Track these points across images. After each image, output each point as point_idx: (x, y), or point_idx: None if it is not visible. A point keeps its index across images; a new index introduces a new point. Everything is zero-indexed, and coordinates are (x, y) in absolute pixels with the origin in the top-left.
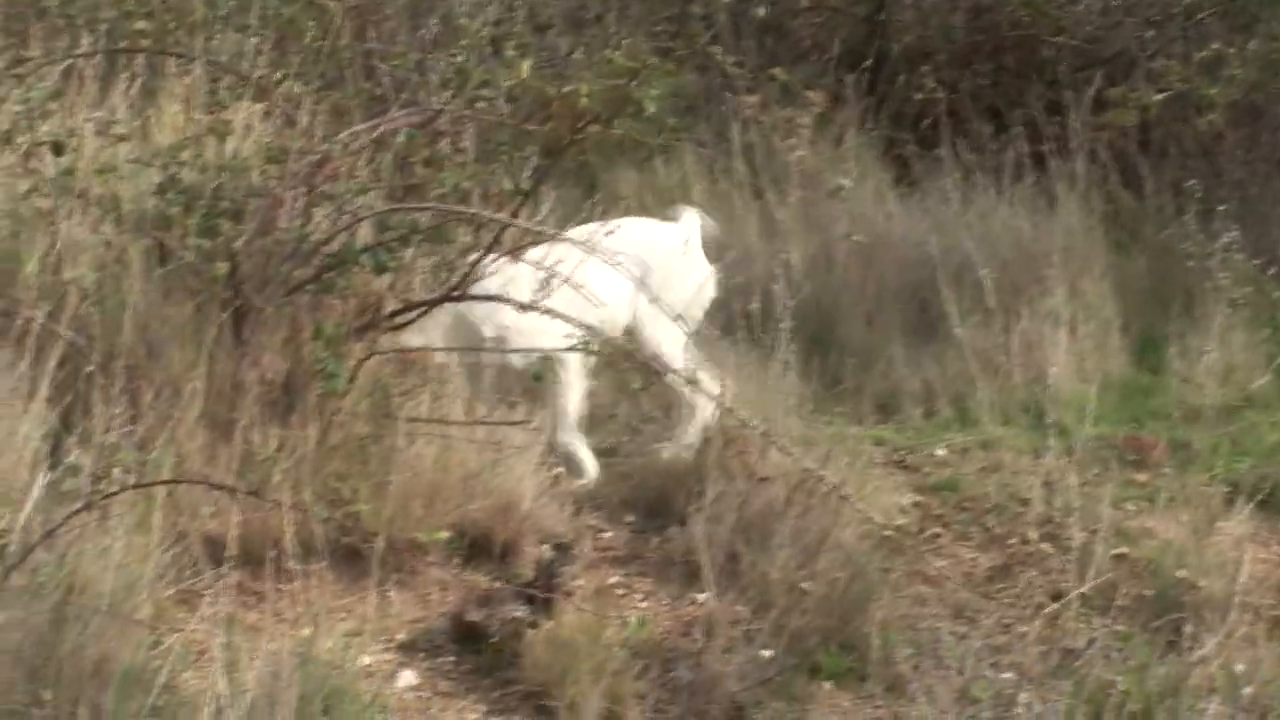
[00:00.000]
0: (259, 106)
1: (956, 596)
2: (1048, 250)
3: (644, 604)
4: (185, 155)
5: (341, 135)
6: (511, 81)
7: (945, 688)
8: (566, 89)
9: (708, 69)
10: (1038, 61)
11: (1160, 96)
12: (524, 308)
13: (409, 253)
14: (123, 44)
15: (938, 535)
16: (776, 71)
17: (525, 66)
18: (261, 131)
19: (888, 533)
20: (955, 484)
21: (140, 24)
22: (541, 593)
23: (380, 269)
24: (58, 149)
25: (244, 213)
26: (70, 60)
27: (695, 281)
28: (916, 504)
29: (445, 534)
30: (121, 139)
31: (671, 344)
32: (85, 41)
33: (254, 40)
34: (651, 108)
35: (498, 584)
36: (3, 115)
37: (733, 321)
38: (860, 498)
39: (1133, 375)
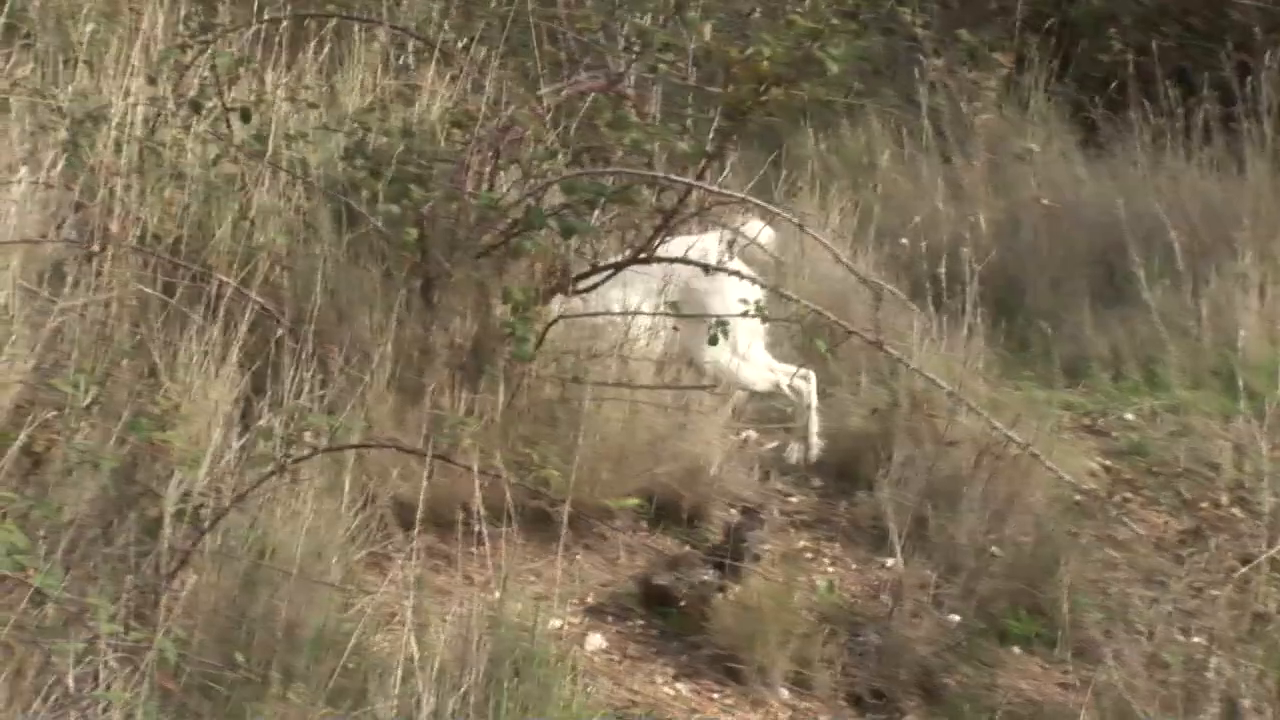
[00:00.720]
0: (445, 71)
1: (1146, 561)
2: (1237, 213)
3: (832, 568)
4: (372, 120)
5: (527, 99)
6: (695, 44)
7: (1135, 652)
8: (749, 51)
9: (893, 32)
10: (1226, 23)
11: None
12: (709, 270)
13: (595, 215)
14: (310, 10)
15: (1127, 499)
16: (963, 33)
17: (708, 28)
18: (447, 96)
19: (1076, 497)
20: (1144, 448)
21: None
22: (729, 557)
23: (568, 232)
24: (245, 115)
25: (431, 178)
26: (258, 26)
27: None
28: (1105, 468)
29: (634, 500)
30: (311, 105)
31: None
32: (272, 8)
33: (439, 5)
34: (834, 68)
35: (686, 548)
36: (192, 82)
37: (920, 285)
38: (1049, 462)
39: None
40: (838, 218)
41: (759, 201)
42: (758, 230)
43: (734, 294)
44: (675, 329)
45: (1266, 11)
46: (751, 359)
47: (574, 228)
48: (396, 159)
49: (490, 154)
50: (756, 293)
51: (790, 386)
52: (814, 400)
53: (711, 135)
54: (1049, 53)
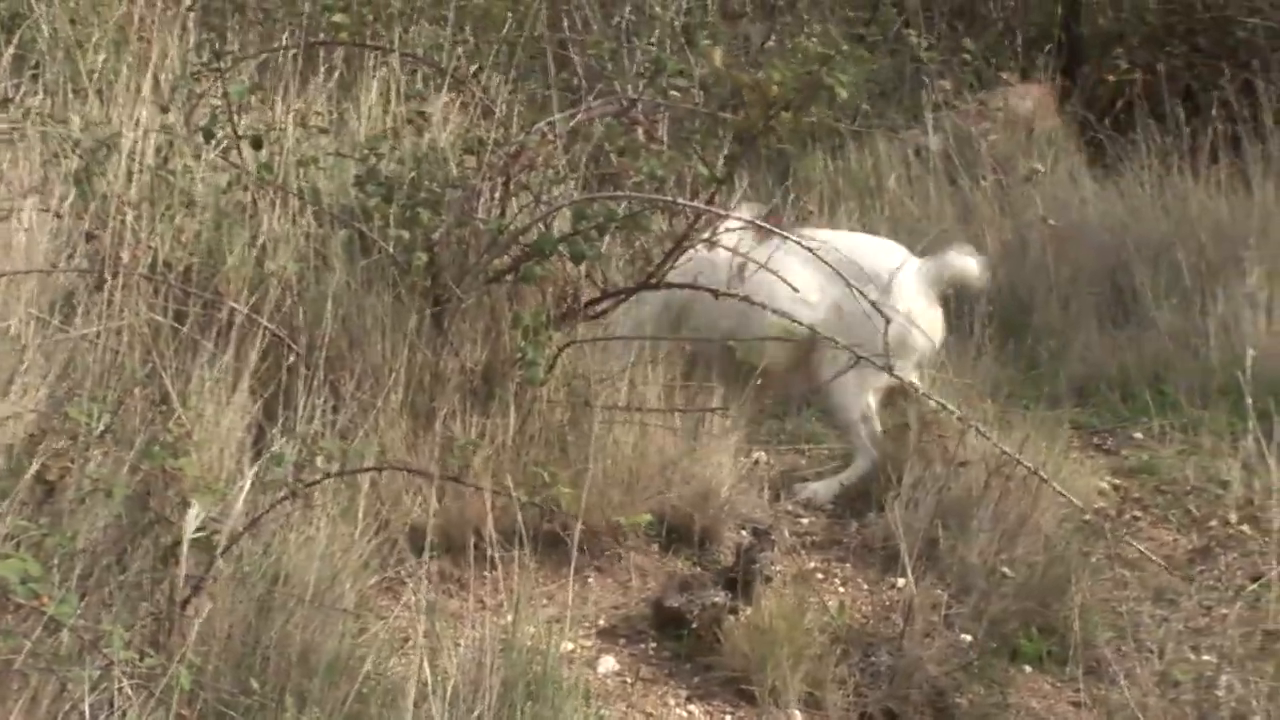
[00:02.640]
0: (455, 98)
1: (1156, 579)
2: (1244, 232)
3: (843, 589)
4: (383, 147)
5: (538, 125)
6: (705, 70)
7: (1146, 670)
8: (759, 75)
9: (899, 53)
10: (1232, 42)
11: None
12: (717, 294)
13: (606, 241)
14: (320, 37)
15: (1137, 518)
16: (967, 44)
17: (717, 54)
18: (458, 123)
19: (1087, 516)
20: (1154, 467)
21: (338, 17)
22: (741, 579)
23: (579, 258)
24: (257, 143)
25: (442, 203)
26: (268, 54)
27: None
28: (1115, 487)
29: (647, 517)
30: (322, 131)
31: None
32: (283, 36)
33: (449, 31)
34: (844, 94)
35: (697, 570)
36: (203, 110)
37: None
38: (1058, 481)
39: None
40: None
41: (768, 225)
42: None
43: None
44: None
45: (1273, 30)
46: (865, 392)
47: (583, 253)
48: (408, 185)
49: (501, 180)
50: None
51: (864, 437)
52: (864, 466)
53: (722, 160)
54: (1056, 74)
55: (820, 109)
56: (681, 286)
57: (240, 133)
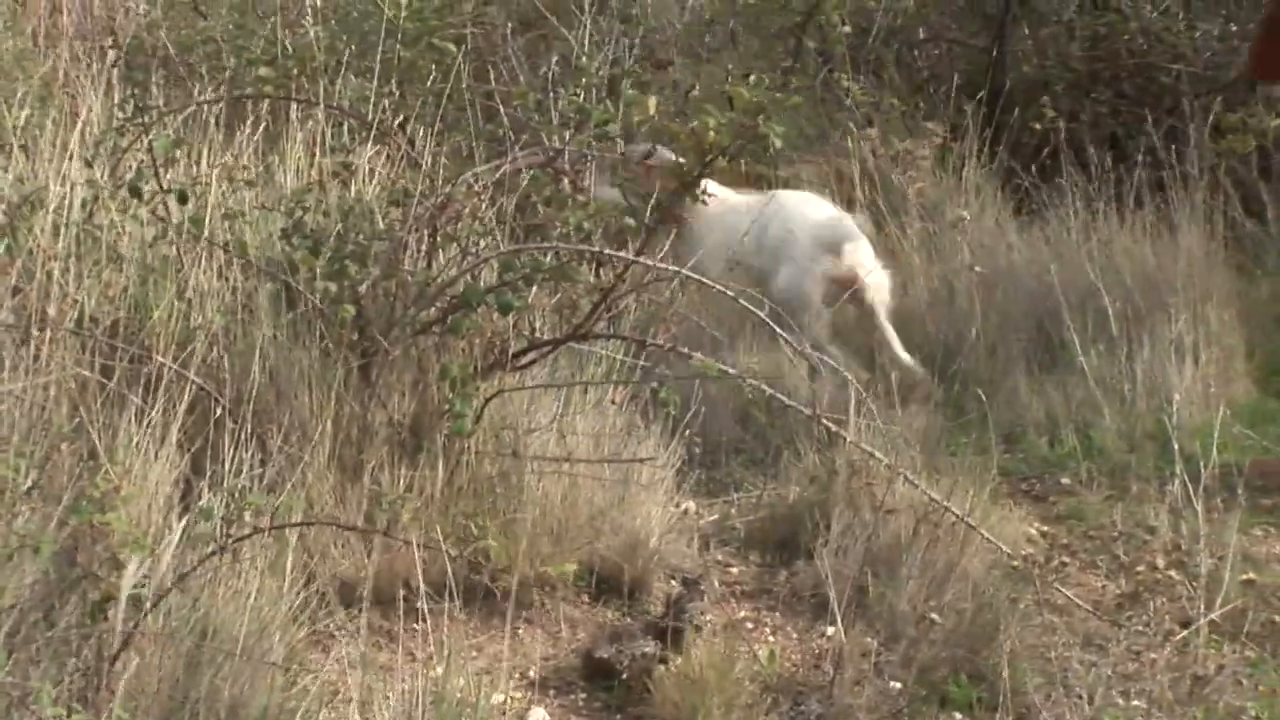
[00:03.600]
0: (381, 150)
1: (1085, 625)
2: (1170, 278)
3: (773, 638)
4: (309, 200)
5: (463, 177)
6: (640, 118)
7: (1075, 716)
8: (694, 124)
9: (825, 100)
10: (1156, 89)
11: (1278, 121)
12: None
13: (533, 292)
14: (247, 91)
15: (1065, 564)
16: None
17: (652, 103)
18: (384, 175)
19: (1015, 563)
20: (1081, 513)
21: (263, 70)
22: (671, 628)
23: (506, 310)
24: (182, 197)
25: (369, 256)
26: (194, 108)
27: None
28: (1043, 533)
29: (572, 566)
30: (249, 184)
31: None
32: (208, 90)
33: (375, 84)
34: (778, 143)
35: (627, 620)
36: (129, 164)
37: (858, 353)
38: (987, 528)
39: (1258, 401)
40: None
41: (698, 277)
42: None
43: None
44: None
45: (1196, 77)
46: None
47: (510, 304)
48: (334, 237)
49: (428, 232)
50: None
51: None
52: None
53: (650, 210)
54: (982, 121)
55: (750, 156)
56: (608, 337)
57: (166, 187)
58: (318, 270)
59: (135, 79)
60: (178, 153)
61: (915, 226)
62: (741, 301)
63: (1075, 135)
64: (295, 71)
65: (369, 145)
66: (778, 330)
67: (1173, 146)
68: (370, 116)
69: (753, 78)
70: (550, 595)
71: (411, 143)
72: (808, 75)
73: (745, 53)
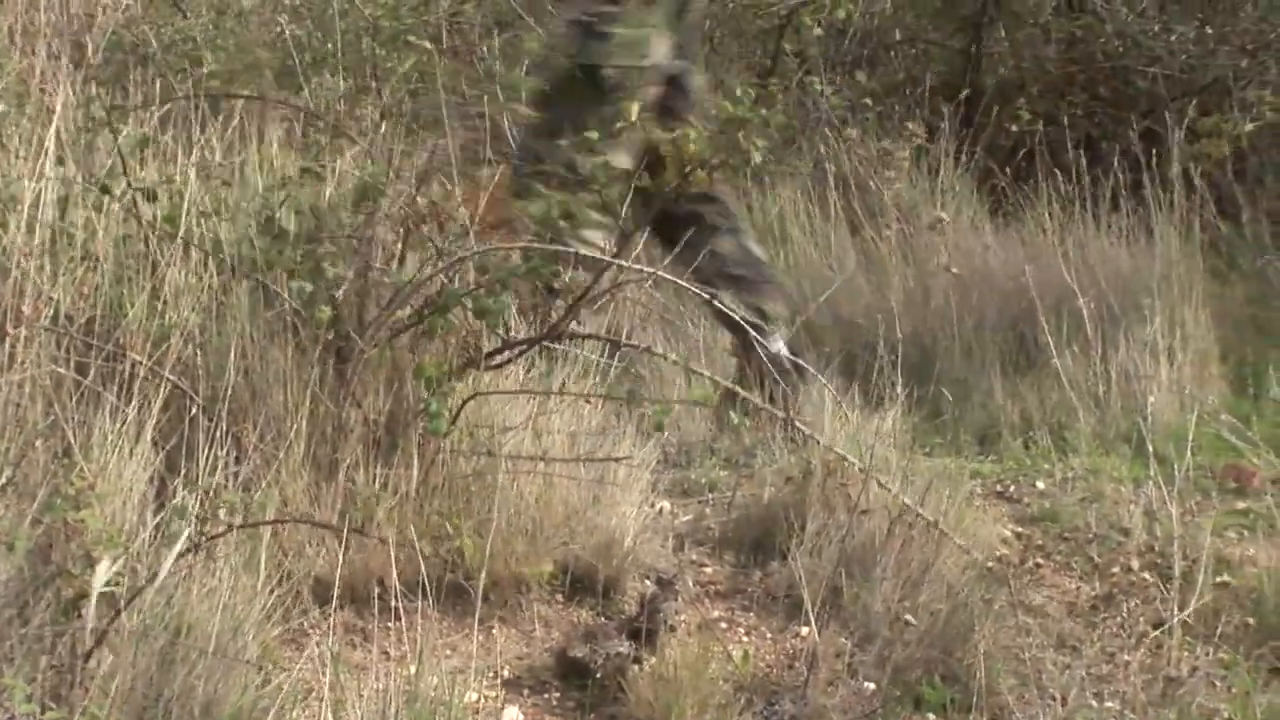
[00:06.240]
0: (355, 148)
1: (1059, 626)
2: (1145, 280)
3: (747, 638)
4: (282, 196)
5: (438, 174)
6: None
7: (1049, 717)
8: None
9: (802, 103)
10: (1132, 92)
11: (1253, 126)
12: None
13: (508, 295)
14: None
15: (1039, 566)
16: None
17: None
18: (355, 174)
19: (989, 564)
20: (1056, 515)
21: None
22: (645, 628)
23: (481, 313)
24: (151, 195)
25: (344, 255)
26: (169, 105)
27: None
28: (1018, 535)
29: (549, 569)
30: (225, 183)
31: None
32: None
33: (349, 83)
34: (759, 158)
35: (601, 620)
36: (102, 162)
37: (832, 354)
38: (960, 530)
39: (1233, 404)
40: None
41: (672, 278)
42: None
43: None
44: None
45: (1173, 80)
46: None
47: (487, 308)
48: (305, 236)
49: (400, 230)
50: None
51: None
52: None
53: (625, 212)
54: (958, 123)
55: (729, 169)
56: (586, 337)
57: (133, 185)
58: (295, 270)
59: (102, 80)
60: (149, 151)
61: (893, 228)
62: (718, 304)
63: (1051, 137)
64: (270, 71)
65: (343, 143)
66: (751, 333)
67: (1151, 149)
68: (345, 115)
69: (739, 90)
70: (524, 594)
71: (387, 141)
72: (783, 78)
73: (723, 56)
